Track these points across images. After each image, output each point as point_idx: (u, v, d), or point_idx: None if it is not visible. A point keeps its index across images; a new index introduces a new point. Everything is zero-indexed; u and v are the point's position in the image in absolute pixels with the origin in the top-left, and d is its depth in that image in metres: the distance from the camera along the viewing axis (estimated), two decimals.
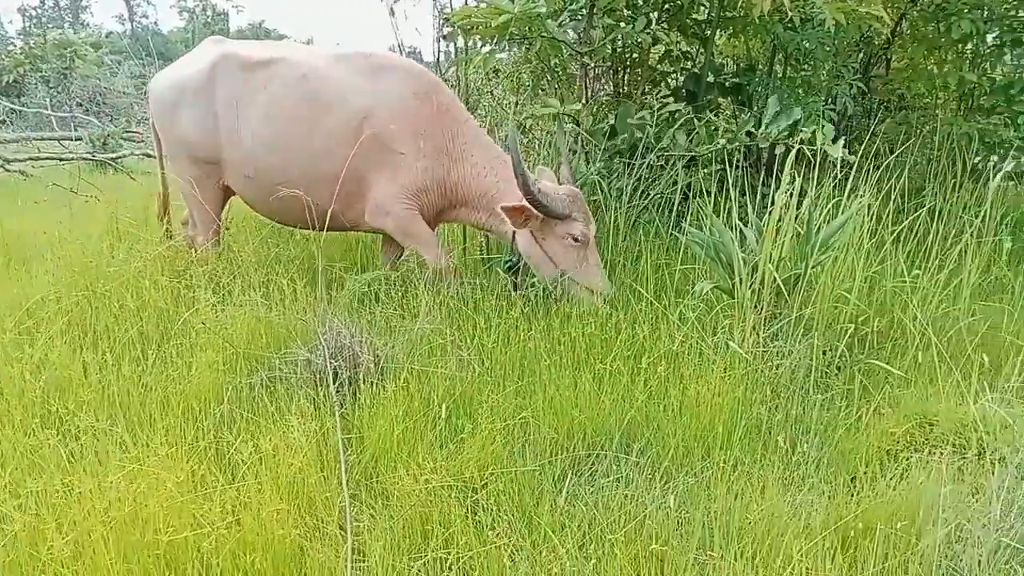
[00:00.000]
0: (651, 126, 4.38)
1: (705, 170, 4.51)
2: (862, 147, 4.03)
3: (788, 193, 3.31)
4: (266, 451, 2.40)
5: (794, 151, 3.52)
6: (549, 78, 4.79)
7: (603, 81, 5.11)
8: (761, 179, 4.98)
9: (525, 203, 3.60)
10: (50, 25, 29.71)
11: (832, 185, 3.74)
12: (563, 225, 3.76)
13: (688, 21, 4.87)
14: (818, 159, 3.73)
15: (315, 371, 3.14)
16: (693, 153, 4.43)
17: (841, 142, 3.91)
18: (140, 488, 2.03)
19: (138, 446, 2.44)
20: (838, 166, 3.83)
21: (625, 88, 5.01)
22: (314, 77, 3.96)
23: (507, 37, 3.97)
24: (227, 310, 3.52)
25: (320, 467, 2.53)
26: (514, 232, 3.85)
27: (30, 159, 8.81)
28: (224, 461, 2.51)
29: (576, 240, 3.76)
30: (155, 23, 53.05)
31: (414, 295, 3.81)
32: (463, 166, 3.95)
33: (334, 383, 3.02)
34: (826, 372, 3.28)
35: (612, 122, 4.63)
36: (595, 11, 4.16)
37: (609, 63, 4.91)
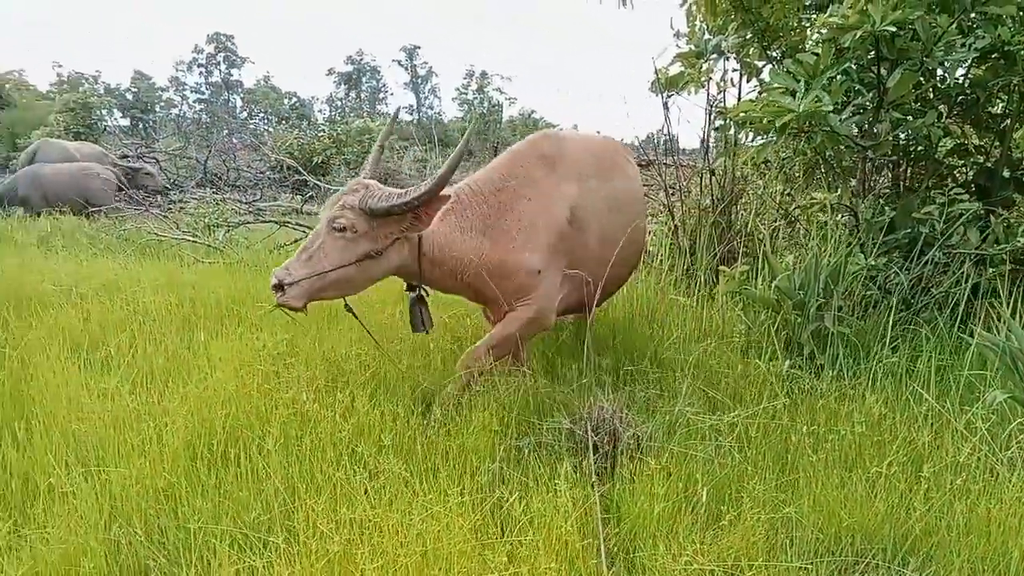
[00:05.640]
0: (938, 222, 4.15)
1: (993, 269, 4.16)
2: None
3: None
4: (537, 511, 2.57)
5: None
6: (823, 169, 4.71)
7: (883, 173, 4.93)
8: None
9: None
10: (352, 115, 34.05)
11: None
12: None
13: (983, 114, 4.58)
14: None
15: (576, 441, 3.30)
16: (984, 253, 4.11)
17: None
18: (435, 529, 2.27)
19: (424, 490, 2.72)
20: None
21: (907, 181, 4.79)
22: None
23: (785, 132, 4.00)
24: (500, 376, 3.81)
25: (581, 534, 2.65)
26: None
27: None
28: (497, 514, 2.71)
29: None
30: (439, 113, 59.07)
31: (672, 376, 3.88)
32: None
33: (594, 455, 3.15)
34: None
35: (892, 215, 4.44)
36: (883, 105, 4.07)
37: (892, 156, 4.73)
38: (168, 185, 15.23)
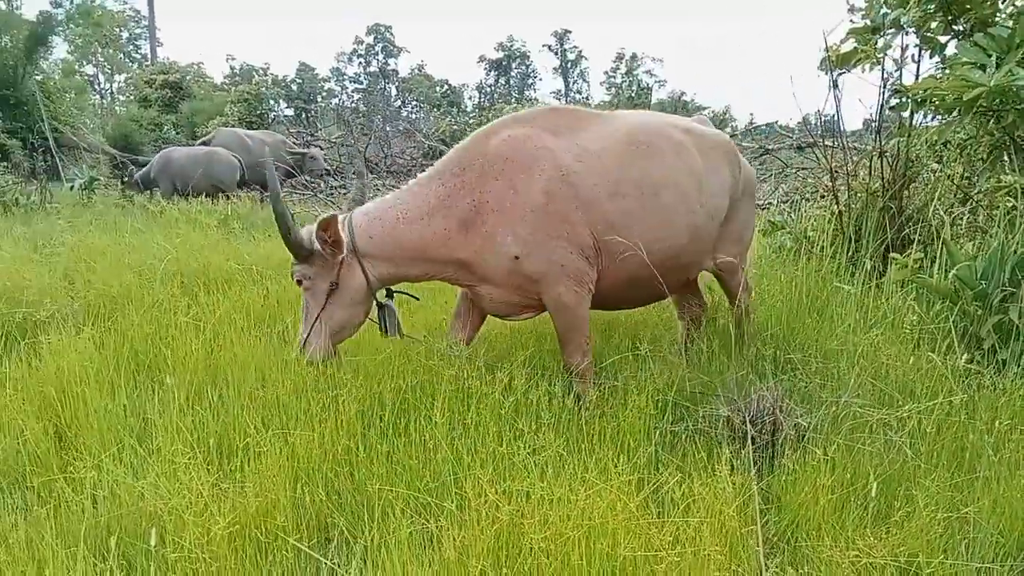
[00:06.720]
0: None
1: None
2: None
3: None
4: (699, 494, 2.58)
5: None
6: (1012, 151, 4.35)
7: None
8: None
9: None
10: (500, 101, 34.57)
11: None
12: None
13: None
14: None
15: (733, 429, 3.26)
16: None
17: None
18: (600, 506, 2.34)
19: (582, 467, 2.78)
20: None
21: None
22: None
23: (973, 110, 3.72)
24: (654, 362, 3.82)
25: (740, 522, 2.62)
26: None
27: None
28: (657, 495, 2.74)
29: None
30: (586, 98, 58.93)
31: (836, 367, 3.75)
32: None
33: (752, 444, 3.10)
34: None
35: None
36: None
37: None
38: (331, 170, 16.04)
